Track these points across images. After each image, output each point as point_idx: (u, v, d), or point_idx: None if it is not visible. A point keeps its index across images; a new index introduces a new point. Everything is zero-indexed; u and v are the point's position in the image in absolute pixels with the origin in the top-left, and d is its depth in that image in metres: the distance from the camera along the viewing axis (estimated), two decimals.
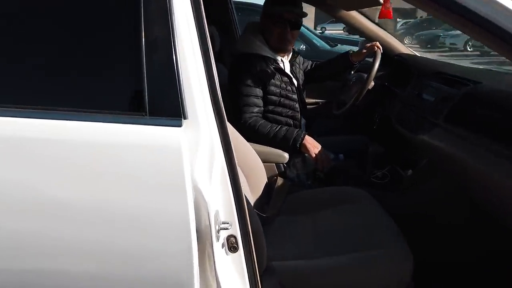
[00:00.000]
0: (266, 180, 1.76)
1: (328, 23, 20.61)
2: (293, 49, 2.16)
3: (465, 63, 9.89)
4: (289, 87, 2.03)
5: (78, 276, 0.95)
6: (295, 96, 2.05)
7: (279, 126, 1.93)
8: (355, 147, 2.21)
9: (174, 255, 0.93)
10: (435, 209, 1.80)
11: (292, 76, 2.09)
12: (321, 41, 6.51)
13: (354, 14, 2.39)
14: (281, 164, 1.89)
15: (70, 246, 0.92)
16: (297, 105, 2.06)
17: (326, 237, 1.53)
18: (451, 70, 1.96)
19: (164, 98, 0.93)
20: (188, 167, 0.90)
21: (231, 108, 1.88)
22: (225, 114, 1.00)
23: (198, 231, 0.92)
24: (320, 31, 14.97)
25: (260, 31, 2.06)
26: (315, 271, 1.36)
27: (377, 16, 2.43)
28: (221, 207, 1.00)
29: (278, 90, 2.00)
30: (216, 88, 0.98)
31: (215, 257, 0.97)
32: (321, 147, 1.90)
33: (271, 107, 2.00)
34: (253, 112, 1.95)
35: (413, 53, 2.47)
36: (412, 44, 15.48)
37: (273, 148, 1.87)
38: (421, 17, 22.36)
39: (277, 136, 1.90)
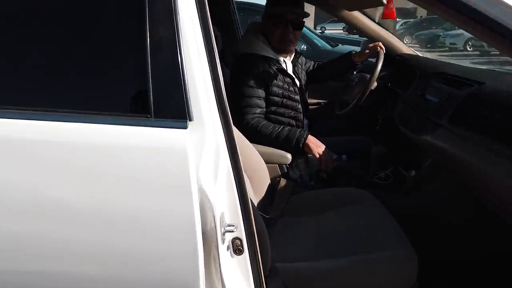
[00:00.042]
0: (269, 181, 1.75)
1: (328, 23, 20.61)
2: (295, 49, 2.15)
3: (465, 63, 9.90)
4: (291, 88, 2.03)
5: (82, 278, 0.95)
6: (297, 97, 2.05)
7: (282, 127, 1.93)
8: (357, 148, 2.21)
9: (180, 257, 0.92)
10: (438, 209, 1.79)
11: (294, 77, 2.08)
12: (322, 41, 6.51)
13: (356, 14, 2.38)
14: (284, 165, 1.88)
15: (76, 248, 0.91)
16: (299, 106, 2.05)
17: (330, 238, 1.52)
18: (453, 70, 1.95)
19: (169, 99, 0.93)
20: (193, 169, 0.89)
21: (233, 109, 1.87)
22: (230, 115, 0.99)
23: (203, 233, 0.92)
24: (320, 31, 14.97)
25: (262, 32, 2.06)
26: (319, 273, 1.35)
27: (380, 16, 2.43)
28: (226, 209, 0.99)
29: (280, 91, 1.99)
30: (221, 88, 0.97)
31: (221, 260, 0.96)
32: (325, 147, 1.89)
33: (273, 108, 2.00)
34: (255, 113, 1.94)
35: (415, 53, 2.46)
36: (412, 44, 15.49)
37: (275, 149, 1.87)
38: (421, 16, 22.36)
39: (279, 137, 1.90)
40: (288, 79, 2.03)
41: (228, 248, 1.00)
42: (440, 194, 1.84)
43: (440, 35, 17.39)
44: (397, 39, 2.48)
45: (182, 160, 0.89)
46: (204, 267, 0.93)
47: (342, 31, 20.11)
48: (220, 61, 0.99)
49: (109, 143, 0.90)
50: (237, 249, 1.01)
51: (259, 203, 1.64)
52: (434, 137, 1.63)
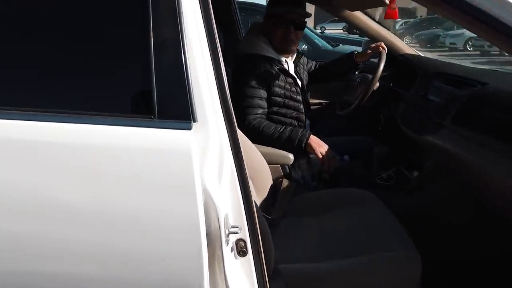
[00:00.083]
0: (271, 181, 1.75)
1: (327, 23, 20.62)
2: (297, 49, 2.14)
3: (465, 62, 9.90)
4: (293, 88, 2.02)
5: (87, 278, 0.94)
6: (299, 97, 2.04)
7: (284, 127, 1.92)
8: (359, 148, 2.20)
9: (184, 258, 0.92)
10: (441, 210, 1.79)
11: (296, 77, 2.08)
12: (323, 41, 6.50)
13: (358, 14, 2.38)
14: (286, 166, 1.88)
15: (79, 248, 0.91)
16: (301, 106, 2.05)
17: (333, 239, 1.52)
18: (456, 70, 1.95)
19: (173, 100, 0.92)
20: (198, 171, 0.89)
21: (235, 110, 1.86)
22: (234, 115, 0.99)
23: (207, 235, 0.91)
24: (320, 31, 14.97)
25: (264, 32, 2.05)
26: (322, 274, 1.35)
27: (380, 15, 2.43)
28: (230, 210, 0.99)
29: (282, 91, 1.99)
30: (225, 87, 0.97)
31: (225, 261, 0.96)
32: (327, 146, 1.89)
33: (275, 109, 1.99)
34: (257, 114, 1.93)
35: (416, 53, 2.46)
36: (412, 44, 15.49)
37: (278, 150, 1.86)
38: (421, 16, 22.38)
39: (281, 137, 1.89)
40: (290, 80, 2.02)
41: (232, 249, 0.99)
42: (443, 194, 1.84)
43: (440, 35, 17.41)
44: (399, 39, 2.48)
45: (187, 162, 0.88)
46: (208, 269, 0.92)
47: (342, 31, 20.13)
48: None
49: (113, 144, 0.90)
50: (241, 251, 1.00)
51: (261, 204, 1.63)
52: (437, 138, 1.63)
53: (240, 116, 1.90)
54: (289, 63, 2.08)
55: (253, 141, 1.66)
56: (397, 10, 1.76)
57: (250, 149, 1.63)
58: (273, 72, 1.97)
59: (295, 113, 2.02)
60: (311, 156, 1.92)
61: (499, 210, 1.48)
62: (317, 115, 2.41)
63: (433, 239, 1.62)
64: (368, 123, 2.42)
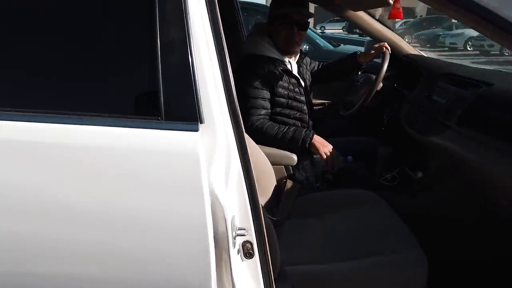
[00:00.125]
0: (275, 182, 1.74)
1: (327, 22, 20.64)
2: (300, 50, 2.14)
3: (465, 62, 9.90)
4: (297, 89, 2.01)
5: (93, 280, 0.94)
6: (303, 98, 2.03)
7: (287, 127, 1.91)
8: (362, 149, 2.19)
9: (191, 261, 0.91)
10: (446, 210, 1.78)
11: (299, 78, 2.07)
12: (324, 41, 6.49)
13: (361, 14, 2.37)
14: (290, 167, 1.87)
15: (87, 249, 0.90)
16: (305, 107, 2.04)
17: (338, 241, 1.51)
18: (461, 71, 1.95)
19: (180, 102, 0.92)
20: (205, 173, 0.88)
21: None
22: (240, 115, 0.98)
23: (214, 237, 0.91)
24: (320, 31, 14.98)
25: (267, 33, 2.04)
26: (328, 277, 1.34)
27: (379, 15, 2.42)
28: (237, 212, 0.98)
29: (286, 92, 1.98)
30: (231, 88, 0.96)
31: (232, 263, 0.95)
32: (331, 146, 1.88)
33: (278, 109, 1.98)
34: (260, 115, 1.92)
35: (420, 54, 2.45)
36: (412, 44, 15.49)
37: (281, 150, 1.85)
38: (420, 16, 22.39)
39: (285, 137, 1.88)
40: (293, 80, 2.01)
41: (238, 251, 0.99)
42: (447, 194, 1.83)
43: (440, 34, 17.42)
44: (402, 40, 2.47)
45: (194, 164, 0.88)
46: (215, 271, 0.92)
47: (341, 30, 20.13)
48: None
49: (120, 146, 0.89)
50: (247, 253, 0.99)
51: (265, 205, 1.62)
52: (442, 138, 1.62)
53: (243, 116, 1.88)
54: (292, 63, 2.07)
55: (257, 142, 1.65)
56: (401, 10, 1.76)
57: (254, 150, 1.62)
58: (277, 72, 1.96)
59: (298, 113, 2.02)
60: (314, 157, 1.91)
61: (504, 210, 1.47)
62: (320, 116, 2.40)
63: (439, 240, 1.61)
64: (371, 124, 2.41)
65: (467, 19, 1.20)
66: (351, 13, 2.38)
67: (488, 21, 1.09)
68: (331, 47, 6.43)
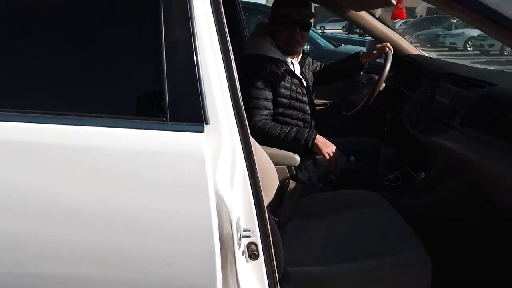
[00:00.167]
0: (278, 183, 1.74)
1: (327, 22, 20.63)
2: (302, 50, 2.13)
3: (465, 62, 9.90)
4: (299, 89, 2.01)
5: (101, 281, 0.93)
6: (305, 98, 2.03)
7: (289, 127, 1.91)
8: (365, 149, 2.19)
9: (197, 262, 0.91)
10: (449, 210, 1.78)
11: (302, 78, 2.06)
12: (325, 41, 6.49)
13: (363, 14, 2.36)
14: (292, 167, 1.87)
15: (94, 250, 0.90)
16: (307, 107, 2.04)
17: (341, 241, 1.51)
18: (463, 71, 1.94)
19: (186, 103, 0.91)
20: (211, 175, 0.88)
21: None
22: (245, 115, 0.98)
23: (220, 238, 0.91)
24: (320, 31, 14.98)
25: (269, 33, 2.04)
26: (332, 278, 1.34)
27: (383, 15, 2.41)
28: (242, 213, 0.98)
29: (288, 93, 1.97)
30: (236, 89, 0.96)
31: (237, 265, 0.95)
32: (334, 146, 1.87)
33: (281, 110, 1.98)
34: (263, 115, 1.92)
35: (422, 54, 2.44)
36: (412, 44, 15.48)
37: (284, 151, 1.85)
38: (420, 16, 22.39)
39: (287, 138, 1.88)
40: (295, 81, 2.01)
41: (243, 253, 0.99)
42: (450, 194, 1.83)
43: (440, 34, 17.43)
44: (404, 40, 2.46)
45: (199, 166, 0.87)
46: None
47: (341, 30, 20.14)
48: None
49: (125, 147, 0.89)
50: (252, 254, 0.99)
51: (268, 206, 1.62)
52: (445, 138, 1.62)
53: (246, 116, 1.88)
54: (294, 64, 2.07)
55: (259, 143, 1.64)
56: (404, 10, 1.75)
57: (256, 151, 1.60)
58: (279, 73, 1.95)
59: (301, 114, 2.01)
60: (317, 157, 1.91)
61: (508, 209, 1.47)
62: (322, 116, 2.40)
63: (441, 240, 1.61)
64: (373, 124, 2.41)
65: (471, 19, 1.20)
66: (353, 13, 2.37)
67: (492, 21, 1.09)
68: (332, 47, 6.43)
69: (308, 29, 2.05)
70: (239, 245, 0.95)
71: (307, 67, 2.19)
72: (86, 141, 0.88)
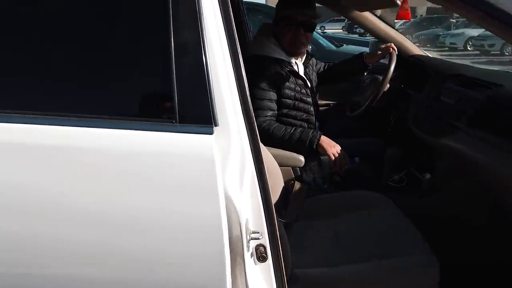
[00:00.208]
0: (283, 184, 1.73)
1: (327, 22, 20.62)
2: (306, 51, 2.13)
3: (465, 62, 9.90)
4: (303, 90, 2.00)
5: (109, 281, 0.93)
6: (309, 99, 2.02)
7: (294, 128, 1.90)
8: (369, 150, 2.18)
9: (206, 265, 0.91)
10: (455, 211, 1.77)
11: (306, 79, 2.06)
12: (327, 41, 6.49)
13: (367, 15, 2.36)
14: (297, 168, 1.86)
15: (103, 250, 0.90)
16: (311, 108, 2.03)
17: (347, 243, 1.50)
18: (469, 72, 1.94)
19: (195, 104, 0.91)
20: (220, 177, 0.88)
21: None
22: (254, 116, 0.97)
23: (229, 240, 0.90)
24: (320, 31, 14.98)
25: (273, 34, 2.03)
26: (339, 280, 1.33)
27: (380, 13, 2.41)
28: (250, 216, 0.97)
29: (292, 93, 1.97)
30: (245, 89, 0.95)
31: (246, 267, 0.94)
32: (339, 146, 1.87)
33: (285, 111, 1.97)
34: (267, 116, 1.91)
35: (425, 54, 2.44)
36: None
37: (288, 152, 1.84)
38: (420, 16, 22.39)
39: (292, 139, 1.87)
40: (300, 81, 2.00)
41: (251, 255, 0.98)
42: (456, 195, 1.82)
43: (440, 34, 17.44)
44: (408, 40, 2.46)
45: (209, 168, 0.87)
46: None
47: (341, 30, 20.14)
48: None
49: (134, 149, 0.88)
50: (260, 256, 0.99)
51: (274, 207, 1.61)
52: (452, 140, 1.62)
53: None
54: (298, 64, 2.06)
55: (264, 144, 1.63)
56: (409, 11, 1.75)
57: (262, 151, 1.60)
58: (283, 74, 1.95)
59: (305, 115, 2.01)
60: (322, 158, 1.90)
61: None
62: (325, 116, 2.39)
63: (448, 241, 1.61)
64: (378, 125, 2.40)
65: (472, 16, 1.19)
66: (356, 13, 2.37)
67: (493, 18, 1.09)
68: (333, 47, 6.43)
69: (313, 30, 2.05)
70: (248, 247, 0.95)
71: (311, 67, 2.18)
72: (96, 143, 0.88)
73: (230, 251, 0.90)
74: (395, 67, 2.08)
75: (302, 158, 1.83)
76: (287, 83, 1.95)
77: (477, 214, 1.70)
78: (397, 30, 2.50)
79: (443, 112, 1.77)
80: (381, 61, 2.27)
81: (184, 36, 0.92)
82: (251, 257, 0.98)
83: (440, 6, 1.37)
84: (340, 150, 1.86)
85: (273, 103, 1.94)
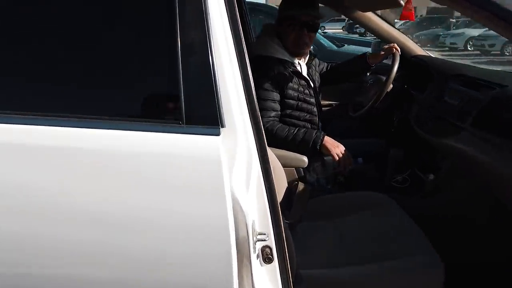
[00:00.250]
0: (287, 185, 1.73)
1: (327, 22, 20.60)
2: (309, 51, 2.12)
3: (466, 62, 9.90)
4: (306, 91, 2.00)
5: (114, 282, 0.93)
6: (313, 100, 2.02)
7: (297, 129, 1.90)
8: (371, 150, 2.18)
9: (213, 266, 0.90)
10: (458, 211, 1.77)
11: (309, 79, 2.05)
12: (328, 41, 6.48)
13: (370, 15, 2.36)
14: (301, 169, 1.86)
15: (117, 253, 0.90)
16: (314, 109, 2.03)
17: (351, 244, 1.50)
18: (472, 72, 1.94)
19: (201, 106, 0.91)
20: (227, 179, 0.87)
21: None
22: (260, 116, 0.97)
23: (236, 242, 0.90)
24: (320, 31, 14.98)
25: (276, 34, 2.03)
26: (342, 281, 1.33)
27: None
28: (257, 217, 0.97)
29: (296, 94, 1.96)
30: (251, 89, 0.95)
31: (252, 269, 0.94)
32: (343, 146, 1.86)
33: (288, 111, 1.97)
34: (270, 117, 1.91)
35: (428, 54, 2.44)
36: None
37: (292, 152, 1.84)
38: (421, 16, 22.36)
39: (295, 139, 1.87)
40: (303, 82, 2.00)
41: (257, 256, 0.98)
42: (459, 195, 1.82)
43: (441, 34, 17.43)
44: (410, 40, 2.46)
45: (216, 170, 0.87)
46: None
47: (341, 30, 20.13)
48: None
49: (141, 150, 0.88)
50: (266, 258, 0.99)
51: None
52: (456, 140, 1.61)
53: None
54: (302, 65, 2.06)
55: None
56: (413, 11, 1.74)
57: None
58: (287, 74, 1.94)
59: (308, 115, 2.00)
60: (325, 158, 1.90)
61: None
62: (328, 117, 2.39)
63: (451, 241, 1.60)
64: (381, 125, 2.40)
65: (479, 16, 1.19)
66: (359, 13, 2.36)
67: (500, 18, 1.09)
68: (335, 47, 6.43)
69: (316, 30, 2.04)
70: (254, 248, 0.94)
71: (314, 68, 2.18)
72: (103, 144, 0.87)
73: (237, 253, 0.90)
74: (398, 68, 2.07)
75: (305, 158, 1.83)
76: (291, 84, 1.95)
77: (481, 214, 1.70)
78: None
79: (447, 112, 1.77)
80: (384, 61, 2.27)
81: (190, 36, 0.91)
82: (257, 259, 0.98)
83: (440, 6, 1.36)
84: (344, 150, 1.85)
85: (276, 104, 1.93)
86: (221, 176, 0.87)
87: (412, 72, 2.29)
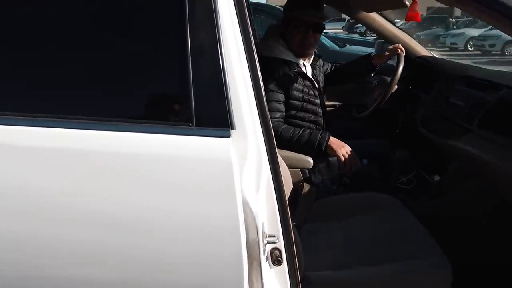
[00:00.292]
0: (292, 186, 1.72)
1: (327, 22, 20.56)
2: (314, 52, 2.12)
3: (466, 62, 9.89)
4: (311, 92, 1.99)
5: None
6: (317, 101, 2.01)
7: (302, 130, 1.89)
8: (376, 151, 2.17)
9: (223, 269, 0.90)
10: (464, 212, 1.77)
11: (314, 80, 2.05)
12: (330, 41, 6.47)
13: (374, 16, 2.35)
14: (306, 170, 1.85)
15: (127, 255, 0.90)
16: (319, 110, 2.02)
17: (357, 246, 1.50)
18: (478, 73, 1.93)
19: (212, 108, 0.90)
20: (238, 180, 0.87)
21: None
22: (270, 118, 0.96)
23: (246, 244, 0.89)
24: None
25: (281, 35, 2.02)
26: (349, 282, 1.32)
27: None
28: (266, 219, 0.97)
29: (300, 95, 1.96)
30: (261, 90, 0.95)
31: (262, 271, 0.94)
32: (349, 147, 1.86)
33: (293, 112, 1.96)
34: (275, 118, 1.90)
35: (432, 55, 2.43)
36: None
37: (297, 154, 1.83)
38: (421, 15, 22.31)
39: (301, 140, 1.86)
40: (308, 83, 2.00)
41: (267, 258, 0.98)
42: (465, 196, 1.81)
43: (441, 35, 17.42)
44: (415, 41, 2.45)
45: (227, 172, 0.86)
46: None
47: (342, 30, 20.13)
48: None
49: (151, 152, 0.87)
50: (276, 260, 0.98)
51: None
52: (462, 141, 1.61)
53: None
54: (306, 66, 2.05)
55: None
56: (419, 12, 1.73)
57: None
58: (291, 75, 1.94)
59: (313, 116, 2.00)
60: (330, 159, 1.89)
61: None
62: (331, 117, 2.38)
63: (458, 242, 1.60)
64: (385, 126, 2.39)
65: (485, 15, 1.18)
66: (363, 14, 2.36)
67: (506, 17, 1.08)
68: (337, 47, 6.42)
69: (321, 31, 2.04)
70: (264, 251, 0.94)
71: (318, 69, 2.18)
72: (115, 146, 0.87)
73: (247, 255, 0.89)
74: (403, 68, 2.07)
75: (310, 159, 1.82)
76: (295, 85, 1.94)
77: (487, 215, 1.69)
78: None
79: (453, 113, 1.77)
80: (388, 62, 2.27)
81: (200, 36, 0.91)
82: (266, 261, 0.97)
83: (440, 6, 1.36)
84: (350, 151, 1.85)
85: (281, 105, 1.93)
86: (231, 178, 0.86)
87: (416, 73, 2.28)
